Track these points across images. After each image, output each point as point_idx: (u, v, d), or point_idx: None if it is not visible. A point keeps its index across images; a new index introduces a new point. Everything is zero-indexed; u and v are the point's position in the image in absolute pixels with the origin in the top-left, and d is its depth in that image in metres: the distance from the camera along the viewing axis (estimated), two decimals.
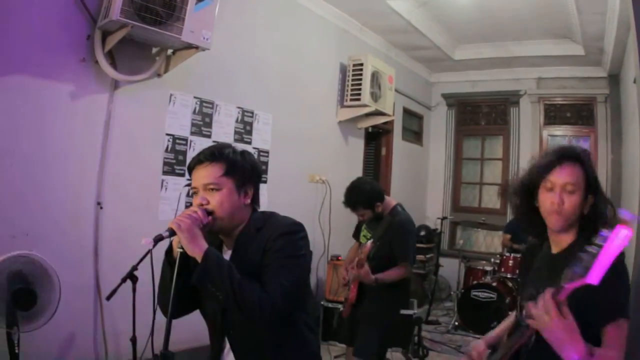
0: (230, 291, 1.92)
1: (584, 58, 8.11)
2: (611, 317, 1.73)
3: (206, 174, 2.10)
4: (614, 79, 8.16)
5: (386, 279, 4.02)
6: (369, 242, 4.04)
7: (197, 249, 1.96)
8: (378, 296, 4.12)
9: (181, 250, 1.97)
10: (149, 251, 1.97)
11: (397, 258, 4.14)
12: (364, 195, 4.17)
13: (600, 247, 1.45)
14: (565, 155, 1.98)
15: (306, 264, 2.23)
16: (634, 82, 4.51)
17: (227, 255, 2.19)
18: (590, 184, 1.95)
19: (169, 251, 2.09)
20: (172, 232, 1.97)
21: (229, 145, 2.22)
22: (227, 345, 2.18)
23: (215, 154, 2.13)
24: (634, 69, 4.47)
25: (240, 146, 2.28)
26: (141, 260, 2.03)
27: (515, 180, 2.18)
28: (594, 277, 1.45)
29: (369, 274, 3.92)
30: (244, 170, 2.16)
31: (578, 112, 9.04)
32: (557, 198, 1.93)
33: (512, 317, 2.48)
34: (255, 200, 2.24)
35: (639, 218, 4.05)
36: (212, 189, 2.09)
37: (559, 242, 2.03)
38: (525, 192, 2.09)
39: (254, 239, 2.13)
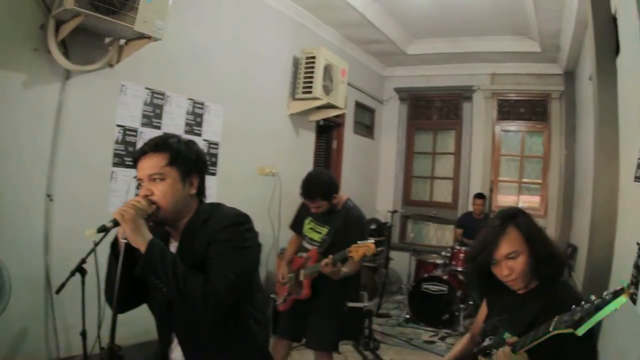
0: (174, 283, 1.92)
1: (540, 55, 8.27)
2: None
3: (150, 164, 2.09)
4: (570, 75, 8.31)
5: (350, 272, 4.02)
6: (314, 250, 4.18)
7: (141, 240, 1.96)
8: (332, 289, 4.09)
9: (125, 241, 1.96)
10: (96, 244, 1.97)
11: None
12: (324, 186, 4.07)
13: (596, 305, 1.66)
14: (500, 231, 2.19)
15: (252, 255, 2.22)
16: (590, 79, 4.63)
17: (173, 247, 2.19)
18: (530, 238, 2.18)
19: (115, 243, 2.08)
20: (115, 223, 1.97)
21: (173, 135, 2.22)
22: (175, 339, 2.18)
23: (159, 144, 2.13)
24: (590, 67, 4.58)
25: (190, 138, 2.28)
26: (90, 253, 2.02)
27: (469, 262, 2.44)
28: (582, 329, 1.67)
29: (340, 271, 3.90)
30: (189, 159, 2.16)
31: (532, 108, 9.21)
32: (504, 270, 2.17)
33: (467, 338, 2.66)
34: (201, 190, 2.24)
35: (592, 210, 4.14)
36: (156, 179, 2.08)
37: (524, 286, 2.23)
38: (481, 270, 2.31)
39: (200, 231, 2.12)
